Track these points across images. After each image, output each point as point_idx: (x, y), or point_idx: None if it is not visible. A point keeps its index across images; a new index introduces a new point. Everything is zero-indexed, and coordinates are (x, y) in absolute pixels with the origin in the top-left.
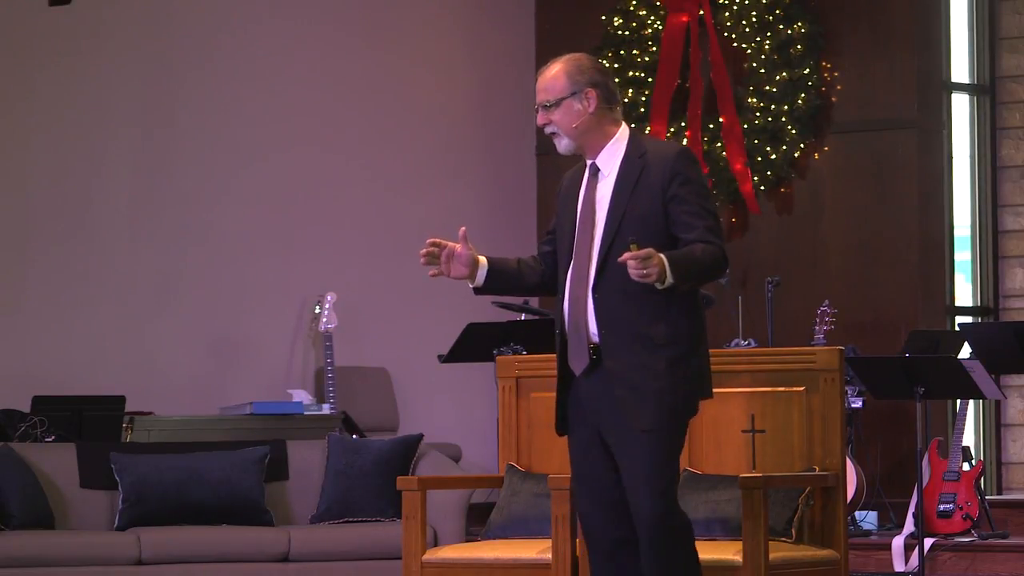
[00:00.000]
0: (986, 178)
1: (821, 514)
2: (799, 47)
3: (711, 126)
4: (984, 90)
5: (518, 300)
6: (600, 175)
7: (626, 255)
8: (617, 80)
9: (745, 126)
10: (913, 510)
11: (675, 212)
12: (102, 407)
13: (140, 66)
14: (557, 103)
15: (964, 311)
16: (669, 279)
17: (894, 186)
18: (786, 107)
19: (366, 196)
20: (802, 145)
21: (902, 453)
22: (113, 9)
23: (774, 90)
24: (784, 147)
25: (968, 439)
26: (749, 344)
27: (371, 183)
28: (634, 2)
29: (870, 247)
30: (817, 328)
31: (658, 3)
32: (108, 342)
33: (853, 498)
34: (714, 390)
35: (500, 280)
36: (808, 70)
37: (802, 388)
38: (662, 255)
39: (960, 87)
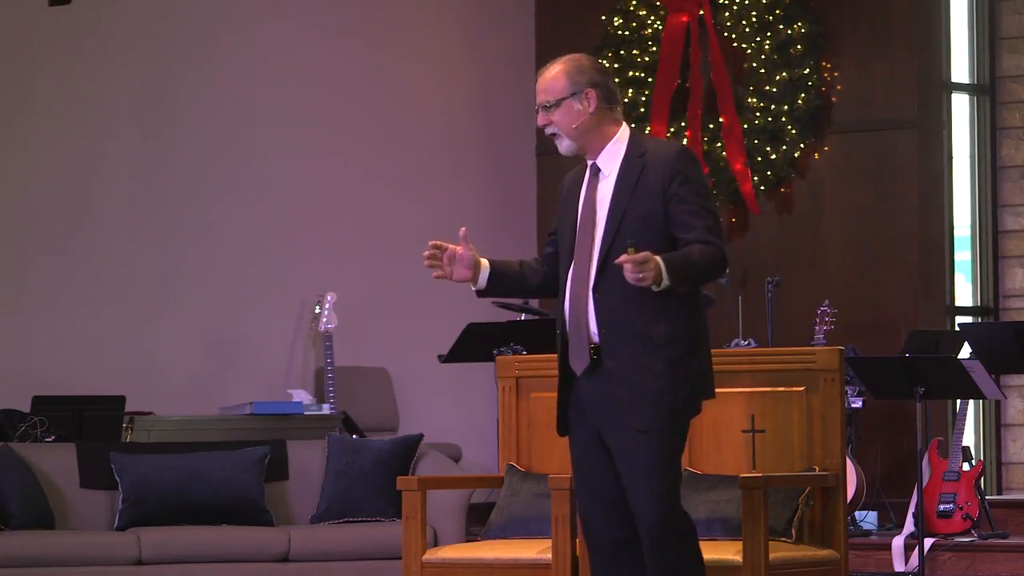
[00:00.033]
0: (986, 178)
1: (821, 514)
2: (799, 47)
3: (711, 126)
4: (984, 90)
5: (518, 300)
6: (601, 175)
7: (622, 258)
8: (617, 80)
9: (745, 126)
10: (913, 510)
11: (675, 211)
12: (102, 407)
13: (140, 66)
14: (557, 103)
15: (964, 311)
16: (665, 282)
17: (894, 186)
18: (786, 107)
19: (366, 196)
20: (802, 145)
21: (902, 453)
22: (113, 9)
23: (774, 90)
24: (784, 147)
25: (968, 439)
26: (749, 344)
27: (371, 183)
28: (634, 2)
29: (870, 247)
30: (817, 328)
31: (658, 3)
32: (108, 342)
33: (853, 498)
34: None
35: (502, 282)
36: (808, 70)
37: (802, 388)
38: (658, 258)
39: (960, 87)
